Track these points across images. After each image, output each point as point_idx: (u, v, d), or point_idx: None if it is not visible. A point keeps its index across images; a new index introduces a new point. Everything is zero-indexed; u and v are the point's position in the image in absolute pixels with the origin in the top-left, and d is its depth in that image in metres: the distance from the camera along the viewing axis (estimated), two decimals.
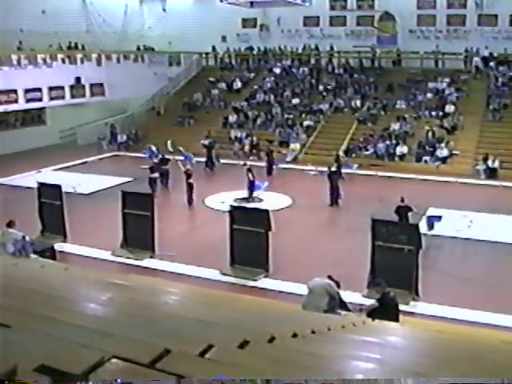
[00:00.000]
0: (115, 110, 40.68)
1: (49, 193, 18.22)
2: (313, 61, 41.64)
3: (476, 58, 36.40)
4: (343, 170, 26.32)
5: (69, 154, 32.02)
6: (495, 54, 36.22)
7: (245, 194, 23.28)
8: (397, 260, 13.68)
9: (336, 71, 40.02)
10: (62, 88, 33.90)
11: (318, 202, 22.11)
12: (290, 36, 42.81)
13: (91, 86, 35.67)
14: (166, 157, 26.97)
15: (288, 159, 31.32)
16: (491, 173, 27.65)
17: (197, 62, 44.50)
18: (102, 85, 36.28)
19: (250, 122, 36.06)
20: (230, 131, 35.19)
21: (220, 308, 6.99)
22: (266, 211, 15.60)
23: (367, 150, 31.13)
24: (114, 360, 2.95)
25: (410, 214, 17.92)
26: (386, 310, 9.84)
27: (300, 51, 42.10)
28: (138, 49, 41.84)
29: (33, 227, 17.30)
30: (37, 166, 28.28)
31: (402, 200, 18.07)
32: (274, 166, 28.74)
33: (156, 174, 24.12)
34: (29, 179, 24.13)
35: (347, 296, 12.02)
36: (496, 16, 37.11)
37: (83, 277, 9.01)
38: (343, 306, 10.68)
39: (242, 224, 15.50)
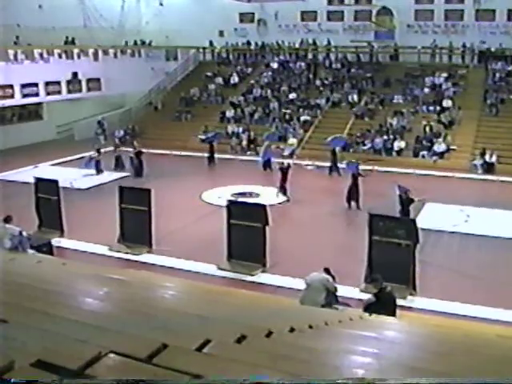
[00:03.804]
0: (112, 105, 40.63)
1: (46, 188, 18.17)
2: (310, 55, 41.58)
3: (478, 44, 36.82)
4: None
5: (66, 149, 31.95)
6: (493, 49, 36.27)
7: (241, 189, 23.33)
8: (394, 255, 13.68)
9: (333, 66, 39.95)
10: (59, 83, 33.86)
11: (316, 196, 22.10)
12: (288, 31, 42.75)
13: (88, 80, 35.63)
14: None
15: (285, 154, 31.27)
16: (488, 167, 27.67)
17: (194, 56, 44.41)
18: (98, 80, 36.25)
19: (247, 117, 36.02)
20: (227, 126, 35.16)
21: (217, 303, 6.99)
22: (263, 206, 15.61)
23: (364, 144, 31.12)
24: (111, 355, 2.95)
25: (412, 205, 18.35)
26: (383, 305, 9.86)
27: (297, 46, 41.95)
28: (135, 43, 41.71)
29: (30, 222, 17.28)
30: (34, 161, 28.21)
31: (406, 192, 18.30)
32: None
33: (96, 155, 27.02)
34: (26, 174, 24.09)
35: (345, 291, 12.07)
36: (494, 11, 37.12)
37: (80, 272, 9.01)
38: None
39: (239, 219, 15.49)
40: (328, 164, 27.01)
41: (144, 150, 27.86)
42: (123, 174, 26.29)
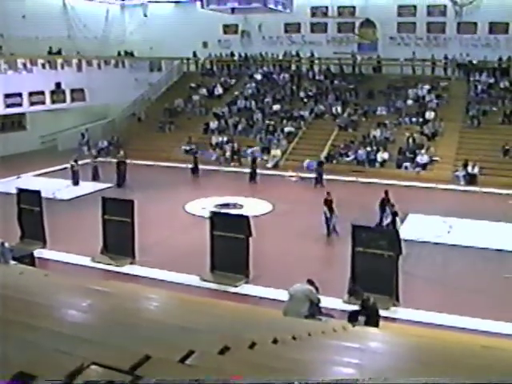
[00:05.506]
0: (96, 115, 40.50)
1: (28, 199, 18.06)
2: (294, 67, 41.73)
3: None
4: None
5: (49, 159, 31.81)
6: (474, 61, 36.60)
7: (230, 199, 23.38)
8: (377, 265, 13.73)
9: (317, 77, 40.12)
10: (43, 93, 33.71)
11: (299, 207, 22.13)
12: (271, 42, 42.90)
13: (72, 91, 35.48)
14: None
15: (269, 165, 31.33)
16: (471, 179, 27.86)
17: (178, 67, 44.41)
18: (82, 90, 36.09)
19: (230, 128, 36.03)
20: (211, 137, 35.14)
21: (200, 314, 6.97)
22: (247, 217, 15.62)
23: (348, 156, 31.26)
24: (93, 366, 2.94)
25: (397, 218, 18.60)
26: (367, 316, 9.88)
27: (281, 57, 42.14)
28: (119, 54, 41.66)
29: (12, 233, 17.16)
30: (17, 172, 28.04)
31: (393, 206, 18.70)
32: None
33: (74, 164, 27.13)
34: (8, 185, 23.92)
35: (328, 302, 12.07)
36: (475, 24, 37.46)
37: (63, 283, 8.94)
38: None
39: (222, 230, 15.50)
40: (312, 175, 27.05)
41: (127, 161, 27.82)
42: (106, 185, 26.15)
